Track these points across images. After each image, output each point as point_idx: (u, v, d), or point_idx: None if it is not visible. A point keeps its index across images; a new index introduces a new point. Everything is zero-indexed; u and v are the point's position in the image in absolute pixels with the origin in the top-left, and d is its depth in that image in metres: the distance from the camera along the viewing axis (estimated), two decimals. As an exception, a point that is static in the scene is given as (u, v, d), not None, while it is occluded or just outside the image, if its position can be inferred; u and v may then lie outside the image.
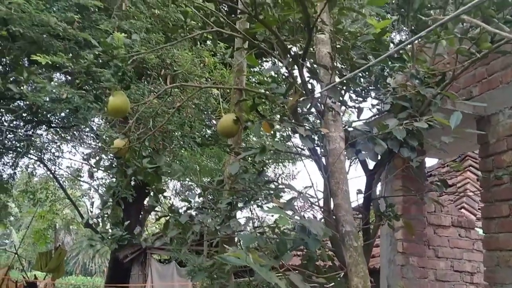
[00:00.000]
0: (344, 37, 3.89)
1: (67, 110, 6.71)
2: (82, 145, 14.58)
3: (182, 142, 7.14)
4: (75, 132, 13.54)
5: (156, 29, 8.12)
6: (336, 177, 3.65)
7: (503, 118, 4.40)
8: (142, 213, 14.99)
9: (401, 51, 4.26)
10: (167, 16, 8.49)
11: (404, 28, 4.26)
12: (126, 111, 3.76)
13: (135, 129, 5.35)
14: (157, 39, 7.61)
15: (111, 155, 4.78)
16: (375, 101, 4.92)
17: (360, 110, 4.48)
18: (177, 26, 4.31)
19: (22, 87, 5.17)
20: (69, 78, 8.55)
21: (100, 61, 4.15)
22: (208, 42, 7.27)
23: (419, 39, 4.20)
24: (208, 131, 7.98)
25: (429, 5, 3.95)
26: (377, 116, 4.92)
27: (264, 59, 9.86)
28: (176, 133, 7.05)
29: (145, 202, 14.48)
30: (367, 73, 4.42)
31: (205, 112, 7.82)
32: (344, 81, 3.57)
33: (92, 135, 13.53)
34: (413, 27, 4.02)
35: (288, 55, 3.59)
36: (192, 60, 7.01)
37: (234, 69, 5.15)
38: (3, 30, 7.72)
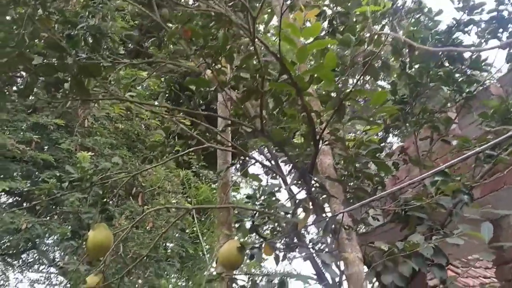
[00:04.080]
0: (345, 145, 3.60)
1: (23, 240, 5.93)
2: (30, 270, 13.20)
3: (157, 268, 6.40)
4: (23, 257, 12.28)
5: (120, 144, 7.70)
6: (361, 307, 3.14)
7: (515, 220, 4.12)
8: None
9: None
10: (131, 130, 8.14)
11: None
12: (109, 248, 3.17)
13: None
14: (122, 154, 7.15)
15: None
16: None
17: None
18: (157, 143, 3.89)
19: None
20: (22, 201, 7.78)
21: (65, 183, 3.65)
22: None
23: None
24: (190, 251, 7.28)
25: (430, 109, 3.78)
26: (380, 226, 4.54)
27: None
28: (151, 258, 6.34)
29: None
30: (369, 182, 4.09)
31: (182, 231, 7.20)
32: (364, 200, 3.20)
33: (42, 259, 12.27)
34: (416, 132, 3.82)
35: (295, 169, 3.23)
36: (166, 175, 6.55)
37: (219, 183, 4.74)
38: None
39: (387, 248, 3.13)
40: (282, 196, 3.65)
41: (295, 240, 3.89)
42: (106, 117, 7.52)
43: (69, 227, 5.82)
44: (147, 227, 5.94)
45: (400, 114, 3.96)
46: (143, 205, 5.83)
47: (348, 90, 2.95)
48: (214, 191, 8.16)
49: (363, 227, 4.60)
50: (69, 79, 2.61)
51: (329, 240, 4.01)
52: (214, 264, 7.27)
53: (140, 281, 6.16)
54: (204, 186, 7.20)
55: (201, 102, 4.53)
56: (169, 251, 6.70)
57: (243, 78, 2.84)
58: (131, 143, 8.36)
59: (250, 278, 3.59)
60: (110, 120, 7.88)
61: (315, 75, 2.92)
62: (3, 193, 7.17)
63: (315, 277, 3.13)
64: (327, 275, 3.66)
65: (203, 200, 7.15)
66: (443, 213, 3.56)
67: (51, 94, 2.71)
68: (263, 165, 3.75)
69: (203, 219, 7.06)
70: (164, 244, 6.60)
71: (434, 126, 4.05)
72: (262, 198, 4.03)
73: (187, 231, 7.50)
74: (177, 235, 7.10)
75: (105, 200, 3.31)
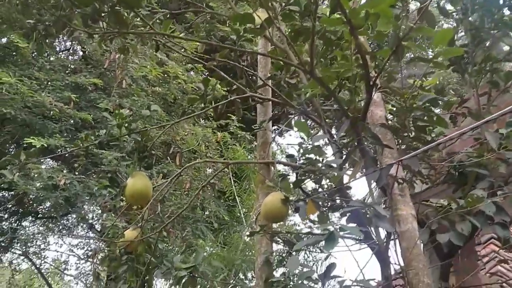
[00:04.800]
0: (401, 93, 3.31)
1: (62, 199, 5.92)
2: (70, 235, 13.50)
3: (195, 229, 6.32)
4: (64, 222, 12.55)
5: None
6: (414, 266, 2.90)
7: None
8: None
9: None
10: (168, 94, 8.03)
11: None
12: (148, 197, 3.03)
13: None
14: (160, 117, 7.05)
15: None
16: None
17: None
18: (196, 97, 3.71)
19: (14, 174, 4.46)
20: (62, 164, 7.82)
21: (104, 140, 3.53)
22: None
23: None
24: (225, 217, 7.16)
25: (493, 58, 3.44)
26: (430, 188, 4.27)
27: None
28: (189, 219, 6.26)
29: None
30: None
31: (218, 198, 7.08)
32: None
33: (83, 224, 12.51)
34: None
35: (345, 118, 2.98)
36: (204, 136, 6.41)
37: (259, 142, 4.53)
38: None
39: (446, 203, 2.88)
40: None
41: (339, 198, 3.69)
42: (143, 78, 7.42)
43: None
44: (185, 187, 5.85)
45: (460, 64, 3.64)
46: (180, 166, 5.71)
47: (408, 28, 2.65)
48: (250, 156, 8.01)
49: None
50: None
51: (376, 197, 3.78)
52: (249, 230, 7.17)
53: (178, 241, 6.11)
54: (241, 149, 7.02)
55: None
56: (206, 212, 6.61)
57: (292, 13, 2.59)
58: (168, 107, 8.28)
59: (293, 235, 3.42)
60: (148, 83, 7.79)
61: (371, 12, 2.65)
62: (42, 155, 7.19)
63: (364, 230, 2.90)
64: (375, 235, 3.45)
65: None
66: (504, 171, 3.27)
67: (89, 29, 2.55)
68: (308, 117, 3.52)
69: (238, 182, 6.91)
70: (201, 205, 6.52)
71: (492, 82, 3.71)
72: (304, 156, 3.81)
73: (224, 196, 7.39)
74: (213, 201, 7.01)
75: (144, 147, 3.17)
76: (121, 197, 3.08)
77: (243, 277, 6.80)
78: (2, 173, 2.77)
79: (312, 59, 2.65)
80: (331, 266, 2.56)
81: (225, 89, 4.25)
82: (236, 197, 5.65)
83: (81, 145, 3.25)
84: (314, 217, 3.56)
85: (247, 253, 6.42)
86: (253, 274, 7.08)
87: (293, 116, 3.69)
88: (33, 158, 3.15)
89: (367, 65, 2.79)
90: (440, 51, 2.75)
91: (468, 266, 4.46)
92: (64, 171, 5.75)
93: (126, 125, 3.23)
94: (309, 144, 3.65)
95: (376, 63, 2.87)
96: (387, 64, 2.90)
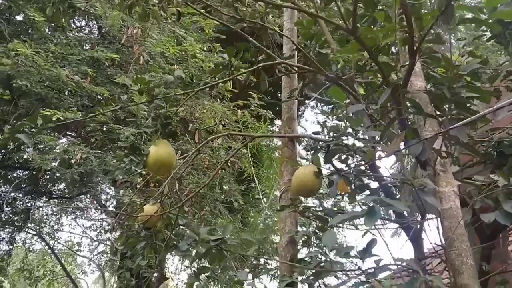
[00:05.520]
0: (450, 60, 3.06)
1: (77, 176, 5.76)
2: (83, 217, 13.47)
3: (214, 208, 6.15)
4: (78, 203, 12.50)
5: (175, 86, 7.41)
6: (457, 247, 2.68)
7: None
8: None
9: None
10: (185, 72, 7.83)
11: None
12: (171, 165, 2.84)
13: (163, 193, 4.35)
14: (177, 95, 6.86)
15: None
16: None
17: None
18: (221, 66, 3.50)
19: (28, 148, 4.31)
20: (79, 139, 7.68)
21: (120, 116, 3.34)
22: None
23: None
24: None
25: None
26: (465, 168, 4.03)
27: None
28: (208, 198, 6.08)
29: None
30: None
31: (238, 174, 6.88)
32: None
33: (97, 204, 12.45)
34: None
35: (385, 87, 2.75)
36: (223, 113, 6.20)
37: (284, 117, 4.32)
38: (6, 94, 7.02)
39: (497, 177, 2.65)
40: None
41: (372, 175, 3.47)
42: (161, 55, 7.22)
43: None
44: (203, 165, 5.67)
45: (504, 35, 3.39)
46: (199, 143, 5.54)
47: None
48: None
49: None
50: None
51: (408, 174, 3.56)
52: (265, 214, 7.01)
53: (196, 220, 5.95)
54: (264, 126, 6.79)
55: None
56: (223, 195, 6.44)
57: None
58: (185, 87, 8.09)
59: (326, 211, 3.22)
60: (166, 60, 7.60)
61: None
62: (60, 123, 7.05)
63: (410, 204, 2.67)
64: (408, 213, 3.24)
65: (259, 144, 6.78)
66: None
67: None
68: (341, 87, 3.29)
69: (257, 163, 6.72)
70: (220, 185, 6.35)
71: (537, 56, 3.46)
72: (329, 134, 3.58)
73: (241, 177, 7.19)
74: (233, 181, 6.82)
75: (167, 114, 2.97)
76: (142, 167, 2.88)
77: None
78: (18, 137, 2.60)
79: (355, 18, 2.42)
80: (372, 242, 2.36)
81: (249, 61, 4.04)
82: (255, 178, 5.45)
83: (100, 110, 3.07)
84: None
85: (266, 236, 6.24)
86: (268, 257, 6.90)
87: (324, 86, 3.46)
88: (50, 124, 2.98)
89: (412, 27, 2.55)
90: (493, 13, 2.51)
91: (501, 253, 4.23)
92: (80, 144, 5.60)
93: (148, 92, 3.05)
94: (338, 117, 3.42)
95: (422, 25, 2.63)
96: (433, 27, 2.66)
